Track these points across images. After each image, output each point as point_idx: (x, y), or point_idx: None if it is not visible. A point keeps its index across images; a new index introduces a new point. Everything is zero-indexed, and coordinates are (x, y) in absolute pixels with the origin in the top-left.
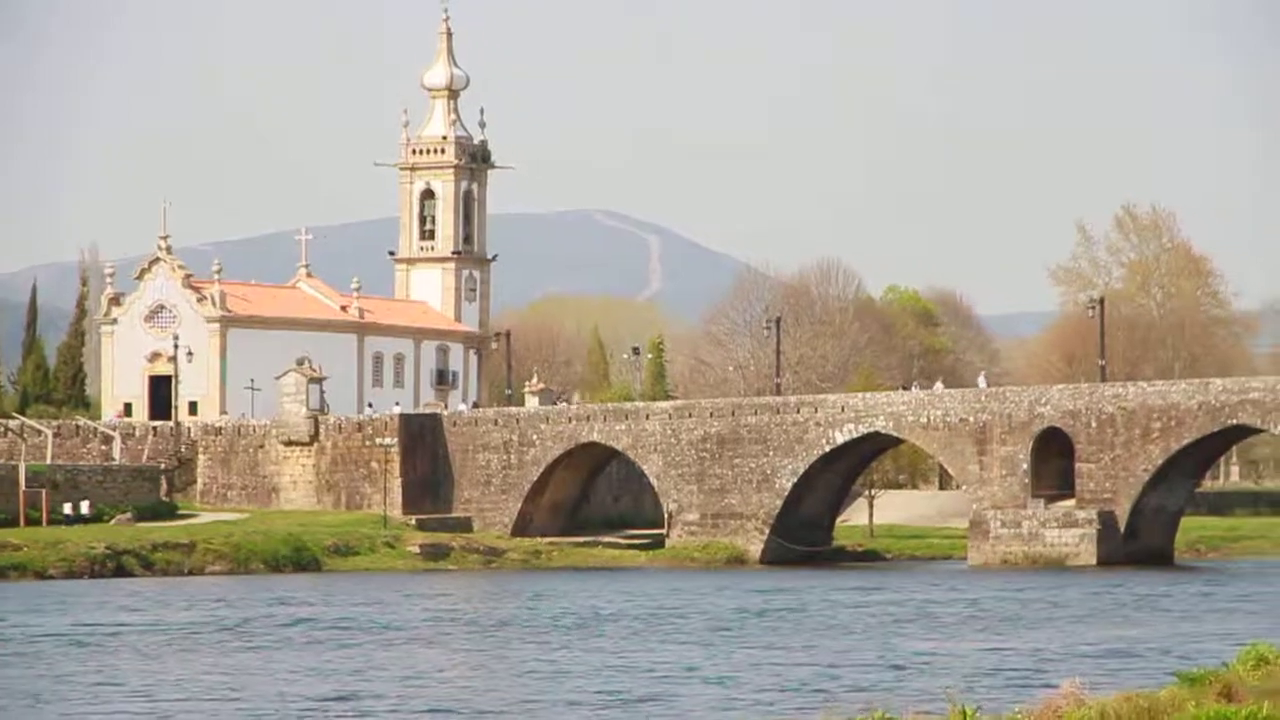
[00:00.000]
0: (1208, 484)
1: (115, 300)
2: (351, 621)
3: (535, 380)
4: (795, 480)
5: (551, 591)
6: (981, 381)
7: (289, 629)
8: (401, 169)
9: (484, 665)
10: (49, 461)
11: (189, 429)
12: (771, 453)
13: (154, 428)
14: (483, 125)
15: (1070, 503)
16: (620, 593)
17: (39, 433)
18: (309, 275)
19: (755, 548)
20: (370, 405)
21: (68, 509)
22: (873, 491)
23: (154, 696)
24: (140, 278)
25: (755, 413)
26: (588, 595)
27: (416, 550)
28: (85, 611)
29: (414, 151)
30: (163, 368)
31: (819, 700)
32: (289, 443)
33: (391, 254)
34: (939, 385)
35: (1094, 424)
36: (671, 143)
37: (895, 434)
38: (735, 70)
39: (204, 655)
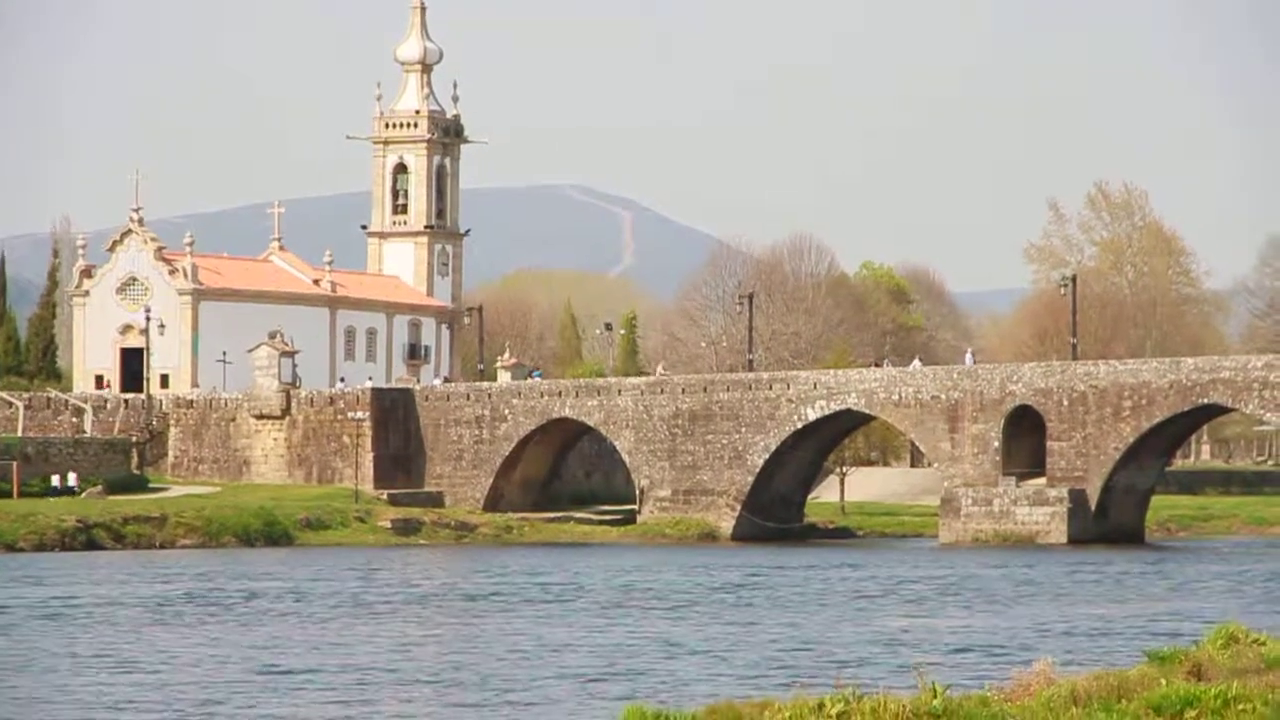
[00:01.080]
0: (1179, 463)
1: (87, 272)
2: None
3: (507, 355)
4: (767, 457)
5: (537, 566)
6: (968, 359)
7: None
8: (374, 143)
9: (473, 638)
10: (20, 434)
11: (160, 402)
12: (743, 429)
13: (125, 400)
14: (456, 99)
15: (1041, 481)
16: (599, 567)
17: (10, 405)
18: (281, 248)
19: (727, 524)
20: (343, 380)
21: (55, 480)
22: (844, 469)
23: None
24: (112, 250)
25: (727, 389)
26: (568, 569)
27: (388, 525)
28: (77, 585)
29: (387, 125)
30: (134, 340)
31: (790, 676)
32: (261, 416)
33: (364, 228)
34: (916, 363)
35: (1065, 402)
36: (644, 118)
37: (867, 411)
38: (708, 46)
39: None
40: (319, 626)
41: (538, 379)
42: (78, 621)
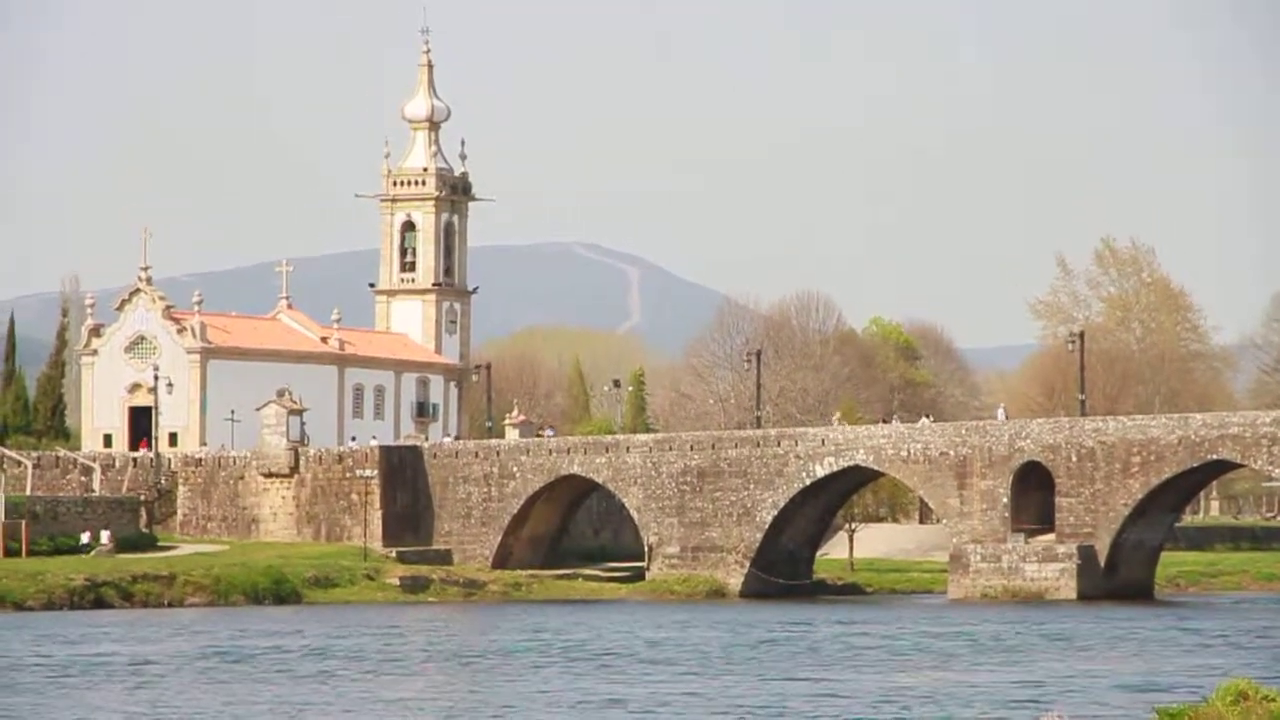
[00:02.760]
0: (1188, 519)
1: (95, 331)
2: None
3: (516, 413)
4: (775, 513)
5: (552, 624)
6: (1000, 414)
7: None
8: (382, 201)
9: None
10: (28, 492)
11: (169, 460)
12: (752, 486)
13: (134, 459)
14: (463, 157)
15: (1050, 537)
16: (613, 625)
17: (19, 464)
18: (289, 307)
19: (735, 581)
20: (354, 439)
21: (85, 538)
22: (853, 525)
23: None
24: (120, 309)
25: (735, 446)
26: (580, 627)
27: (396, 583)
28: (90, 644)
29: (395, 183)
30: (143, 399)
31: None
32: (269, 474)
33: (372, 286)
34: (925, 421)
35: (1074, 458)
36: (651, 176)
37: (875, 467)
38: (716, 105)
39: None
40: (394, 683)
41: (551, 436)
42: (121, 680)
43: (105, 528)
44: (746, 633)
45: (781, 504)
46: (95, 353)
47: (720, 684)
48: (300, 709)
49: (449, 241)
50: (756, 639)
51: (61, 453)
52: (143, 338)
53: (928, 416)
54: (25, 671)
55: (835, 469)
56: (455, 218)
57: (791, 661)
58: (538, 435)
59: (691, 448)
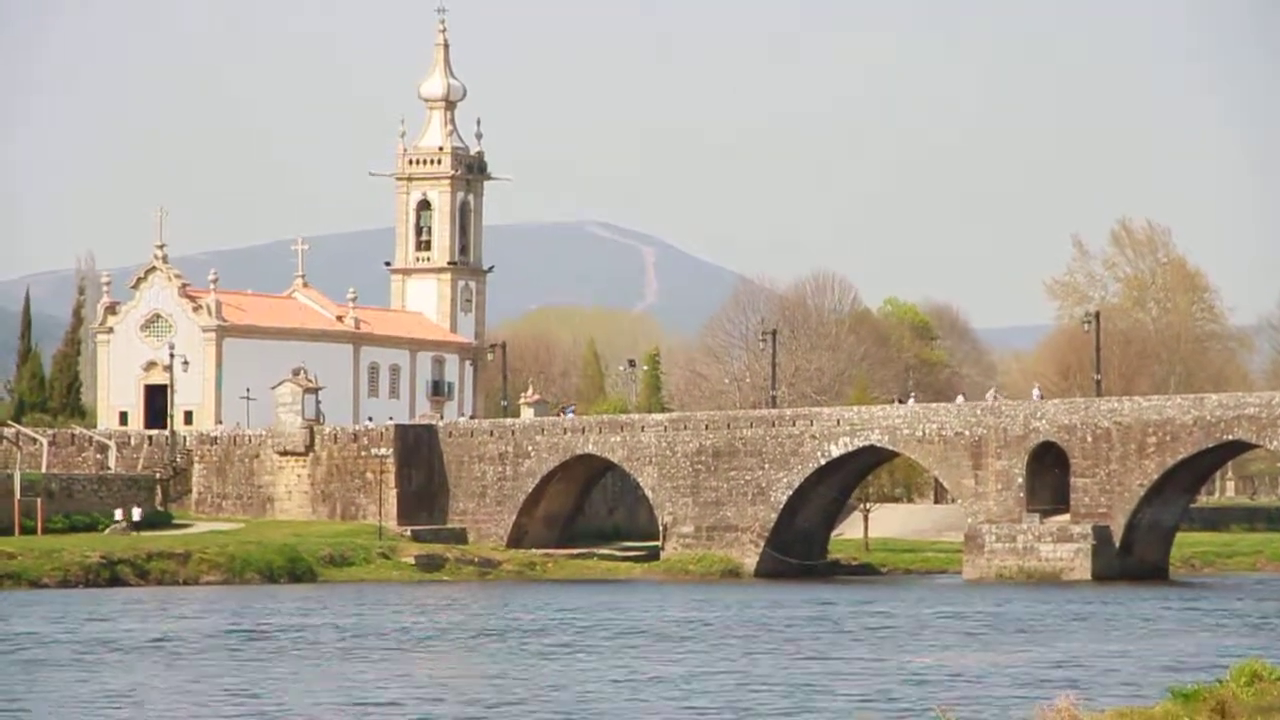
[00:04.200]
0: (1203, 499)
1: (111, 309)
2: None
3: (531, 392)
4: (790, 493)
5: (586, 602)
6: (1035, 394)
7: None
8: (398, 179)
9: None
10: (44, 470)
11: (184, 438)
12: (767, 466)
13: (149, 437)
14: (479, 136)
15: (1065, 517)
16: (638, 604)
17: (34, 441)
18: (305, 285)
19: (750, 561)
20: (370, 419)
21: (118, 514)
22: (868, 505)
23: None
24: (136, 287)
25: (750, 425)
26: (604, 606)
27: (411, 561)
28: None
29: (410, 162)
30: (158, 377)
31: (815, 715)
32: (284, 453)
33: (387, 264)
34: (961, 398)
35: (1089, 439)
36: (667, 154)
37: (891, 447)
38: (732, 82)
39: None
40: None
41: (570, 416)
42: (151, 658)
43: (137, 505)
44: (773, 611)
45: (796, 484)
46: (111, 330)
47: (757, 661)
48: (347, 687)
49: (464, 220)
50: (784, 617)
51: (77, 430)
52: (158, 316)
53: (963, 396)
54: (62, 647)
55: (850, 449)
56: (471, 196)
57: (823, 640)
58: (558, 414)
59: (706, 427)
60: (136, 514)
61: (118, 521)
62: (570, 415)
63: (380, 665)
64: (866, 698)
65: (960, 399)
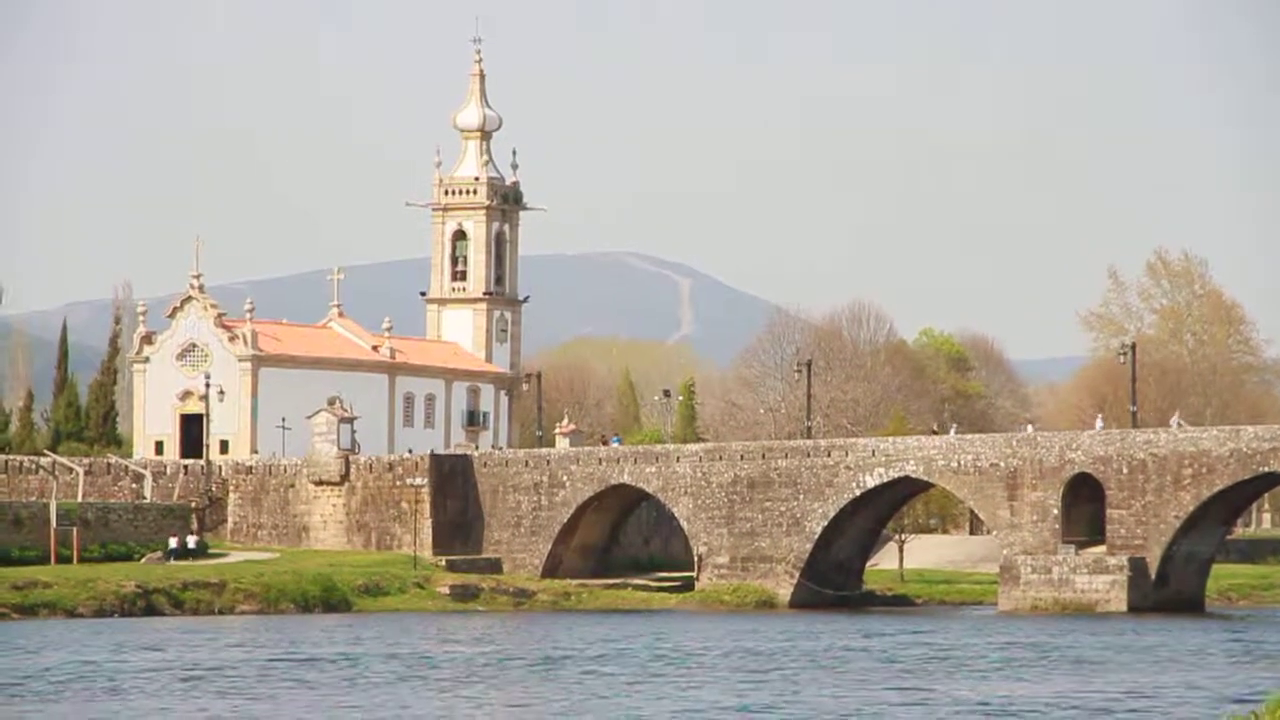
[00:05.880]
0: (1239, 531)
1: (147, 339)
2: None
3: (566, 422)
4: (825, 524)
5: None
6: (1098, 424)
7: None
8: (434, 209)
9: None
10: (80, 499)
11: (220, 468)
12: (802, 496)
13: (185, 466)
14: (515, 166)
15: (1101, 549)
16: (682, 634)
17: (70, 470)
18: (341, 315)
19: (785, 591)
20: (410, 451)
21: (173, 543)
22: (903, 536)
23: None
24: (172, 316)
25: (785, 456)
26: (648, 636)
27: (446, 591)
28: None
29: (446, 192)
30: (194, 406)
31: None
32: (319, 482)
33: (423, 294)
34: (1029, 429)
35: (1125, 470)
36: (704, 184)
37: (926, 478)
38: (769, 113)
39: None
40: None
41: (617, 444)
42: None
43: (191, 533)
44: (815, 641)
45: (831, 514)
46: (147, 360)
47: (813, 692)
48: (410, 714)
49: (500, 250)
50: (825, 648)
51: (113, 459)
52: (194, 345)
53: (1031, 425)
54: (124, 678)
55: (885, 479)
56: (506, 227)
57: (876, 671)
58: (603, 443)
59: (741, 457)
60: (191, 541)
61: (173, 549)
62: (617, 444)
63: (438, 696)
64: None
65: (1030, 428)
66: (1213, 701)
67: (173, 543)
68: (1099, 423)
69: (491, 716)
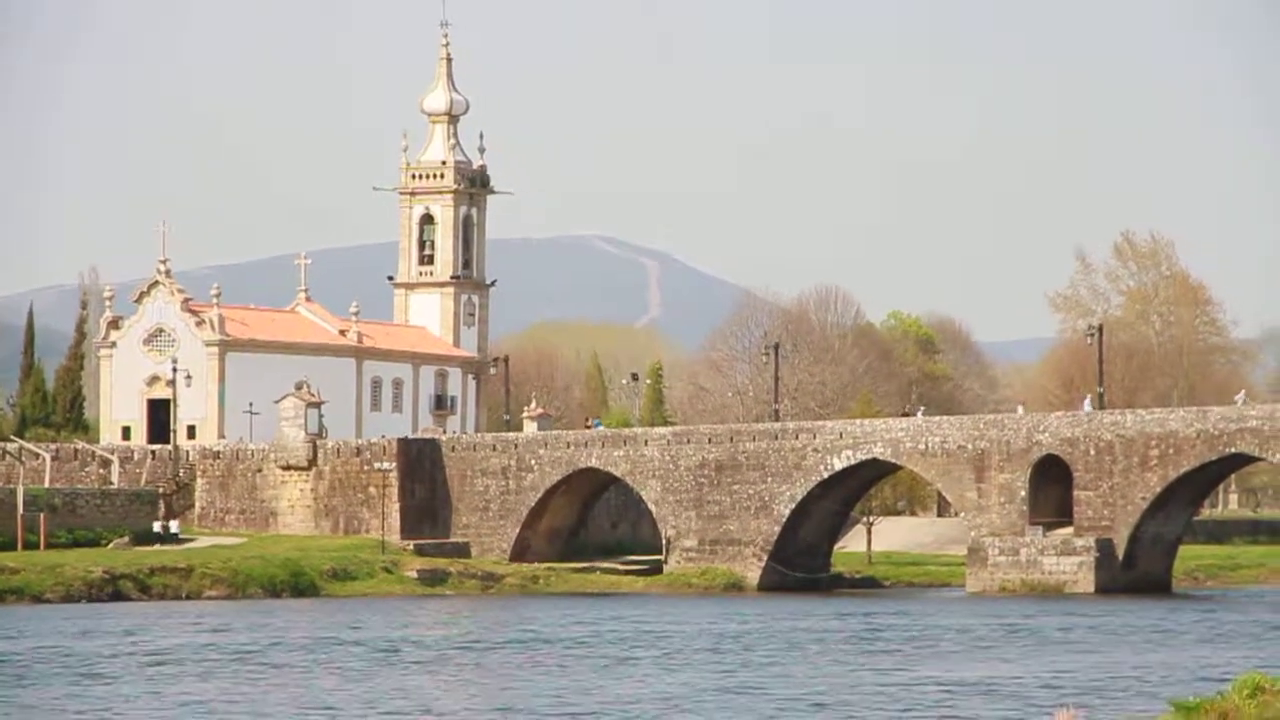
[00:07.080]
0: (1206, 512)
1: (114, 324)
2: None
3: (534, 406)
4: (793, 507)
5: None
6: (1086, 405)
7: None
8: (401, 193)
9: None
10: (47, 485)
11: (187, 453)
12: (770, 479)
13: (153, 451)
14: (482, 150)
15: (1068, 530)
16: (661, 618)
17: (37, 456)
18: (308, 299)
19: (753, 574)
20: (380, 435)
21: (157, 527)
22: (871, 518)
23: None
24: (139, 301)
25: (753, 439)
26: (625, 620)
27: (414, 575)
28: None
29: (413, 176)
30: (161, 391)
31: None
32: (287, 467)
33: (390, 278)
34: (1020, 409)
35: (1092, 452)
36: (671, 168)
37: (893, 460)
38: (736, 96)
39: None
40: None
41: (599, 428)
42: (189, 671)
43: (171, 518)
44: (793, 623)
45: (799, 497)
46: (114, 345)
47: (797, 672)
48: (411, 698)
49: (467, 234)
50: (808, 629)
51: (80, 445)
52: (161, 330)
53: (1022, 404)
54: (105, 662)
55: (853, 462)
56: (474, 211)
57: (850, 653)
58: (586, 426)
59: (709, 441)
60: (174, 525)
61: (157, 532)
62: (599, 427)
63: (432, 680)
64: (859, 711)
65: (1020, 409)
66: (1184, 681)
67: (156, 526)
68: (1087, 404)
69: (468, 701)
